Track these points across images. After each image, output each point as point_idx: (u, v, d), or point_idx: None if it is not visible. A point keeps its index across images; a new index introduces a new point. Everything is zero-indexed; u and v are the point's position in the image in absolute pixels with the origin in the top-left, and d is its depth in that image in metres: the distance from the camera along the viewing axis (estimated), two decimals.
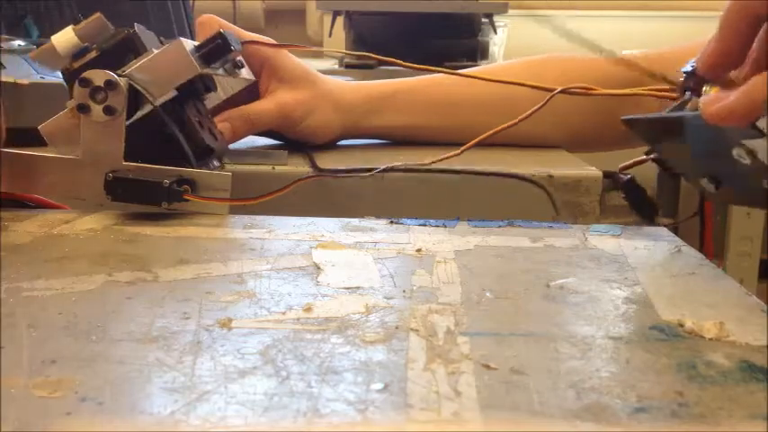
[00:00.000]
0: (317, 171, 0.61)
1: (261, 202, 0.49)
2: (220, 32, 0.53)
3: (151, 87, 0.51)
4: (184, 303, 0.33)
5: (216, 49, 0.53)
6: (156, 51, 0.52)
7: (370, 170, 0.57)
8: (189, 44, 0.52)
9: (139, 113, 0.51)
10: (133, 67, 0.51)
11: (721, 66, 0.39)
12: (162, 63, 0.51)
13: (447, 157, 0.55)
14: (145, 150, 0.51)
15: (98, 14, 0.55)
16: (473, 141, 0.54)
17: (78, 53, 0.53)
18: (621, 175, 0.47)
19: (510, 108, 0.71)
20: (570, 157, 0.68)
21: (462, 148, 0.54)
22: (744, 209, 1.20)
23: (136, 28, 0.54)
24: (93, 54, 0.53)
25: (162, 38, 0.58)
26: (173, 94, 0.53)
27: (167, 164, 0.50)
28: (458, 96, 0.72)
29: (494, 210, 0.56)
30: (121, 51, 0.53)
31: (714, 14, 0.40)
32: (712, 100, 0.36)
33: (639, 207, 0.44)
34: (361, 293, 0.35)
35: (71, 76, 0.52)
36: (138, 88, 0.50)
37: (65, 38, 0.53)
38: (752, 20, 0.38)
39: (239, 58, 0.62)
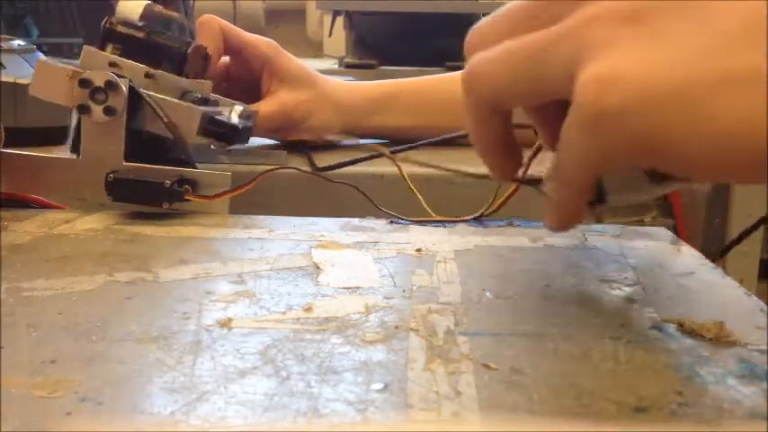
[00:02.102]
0: (315, 169, 0.61)
1: (239, 195, 0.49)
2: (237, 127, 0.53)
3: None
4: (184, 303, 0.33)
5: (221, 135, 0.54)
6: (177, 100, 0.51)
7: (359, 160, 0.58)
8: (208, 112, 0.52)
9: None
10: (155, 95, 0.51)
11: (506, 168, 0.35)
12: (172, 113, 0.51)
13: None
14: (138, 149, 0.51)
15: (178, 14, 0.55)
16: None
17: (130, 24, 0.53)
18: None
19: None
20: None
21: None
22: (744, 209, 1.20)
23: (190, 49, 0.54)
24: (139, 34, 0.53)
25: (209, 57, 0.58)
26: None
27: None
28: (459, 96, 0.72)
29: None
30: (162, 55, 0.53)
31: None
32: (546, 213, 0.34)
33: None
34: (361, 293, 0.35)
35: (107, 33, 0.52)
36: (151, 105, 0.50)
37: (131, 7, 0.53)
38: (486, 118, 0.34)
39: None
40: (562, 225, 0.34)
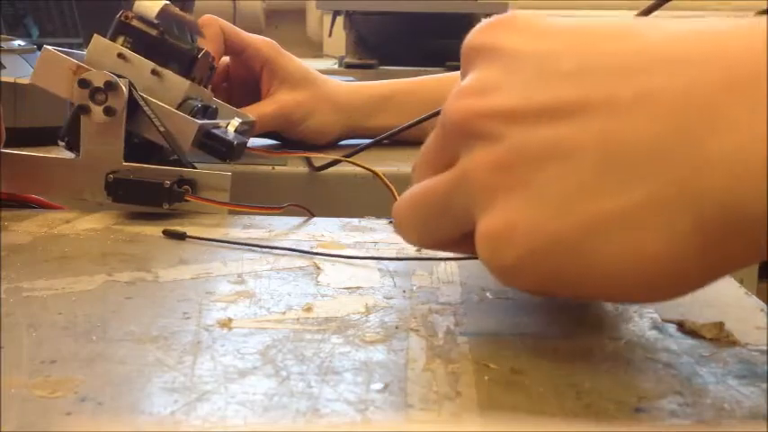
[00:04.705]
0: (312, 169, 0.61)
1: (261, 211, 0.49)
2: (233, 144, 0.53)
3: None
4: (184, 303, 0.33)
5: (216, 151, 0.53)
6: (174, 110, 0.51)
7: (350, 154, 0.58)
8: (205, 125, 0.52)
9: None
10: (154, 101, 0.51)
11: None
12: (169, 121, 0.51)
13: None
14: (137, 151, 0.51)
15: (192, 18, 0.55)
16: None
17: (145, 20, 0.53)
18: None
19: None
20: None
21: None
22: None
23: (201, 54, 0.54)
24: (152, 32, 0.53)
25: (215, 66, 0.58)
26: None
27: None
28: None
29: None
30: (171, 55, 0.53)
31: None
32: None
33: None
34: (361, 293, 0.35)
35: (121, 25, 0.53)
36: (147, 112, 0.50)
37: (148, 6, 0.53)
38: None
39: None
40: None
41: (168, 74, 0.52)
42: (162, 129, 0.50)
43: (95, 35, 0.52)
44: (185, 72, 0.53)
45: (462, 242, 0.30)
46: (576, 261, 0.25)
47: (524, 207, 0.26)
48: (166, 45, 0.53)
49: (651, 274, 0.24)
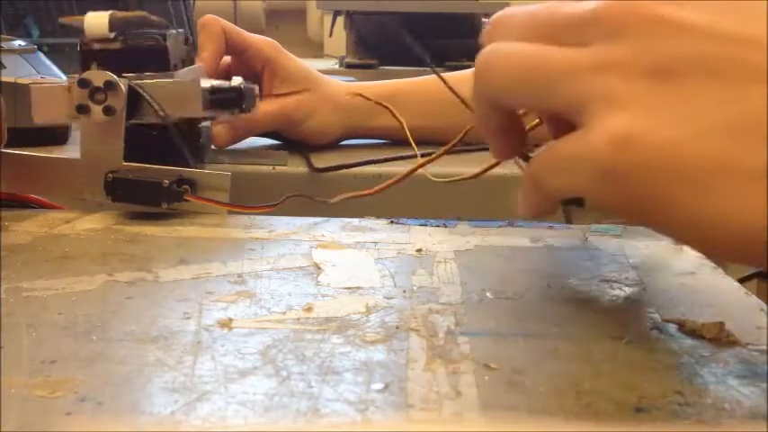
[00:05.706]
0: (313, 170, 0.61)
1: (261, 212, 0.49)
2: (241, 88, 0.52)
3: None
4: (184, 303, 0.33)
5: (227, 101, 0.52)
6: (173, 79, 0.51)
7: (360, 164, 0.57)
8: (207, 83, 0.52)
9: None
10: (149, 81, 0.50)
11: (505, 150, 0.35)
12: (173, 93, 0.50)
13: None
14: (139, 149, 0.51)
15: (144, 14, 0.55)
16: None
17: (102, 38, 0.52)
18: None
19: None
20: None
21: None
22: None
23: (168, 39, 0.53)
24: (114, 45, 0.52)
25: (190, 38, 0.57)
26: None
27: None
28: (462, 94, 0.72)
29: (494, 210, 0.56)
30: (143, 56, 0.53)
31: None
32: (519, 203, 0.33)
33: None
34: (362, 293, 0.35)
35: (86, 54, 0.52)
36: (151, 103, 0.50)
37: (97, 21, 0.52)
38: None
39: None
40: (526, 216, 0.33)
41: (150, 77, 0.51)
42: (162, 113, 0.49)
43: (77, 80, 0.52)
44: (164, 64, 0.53)
45: (514, 129, 0.31)
46: (697, 194, 0.24)
47: (666, 119, 0.24)
48: (133, 50, 0.53)
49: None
